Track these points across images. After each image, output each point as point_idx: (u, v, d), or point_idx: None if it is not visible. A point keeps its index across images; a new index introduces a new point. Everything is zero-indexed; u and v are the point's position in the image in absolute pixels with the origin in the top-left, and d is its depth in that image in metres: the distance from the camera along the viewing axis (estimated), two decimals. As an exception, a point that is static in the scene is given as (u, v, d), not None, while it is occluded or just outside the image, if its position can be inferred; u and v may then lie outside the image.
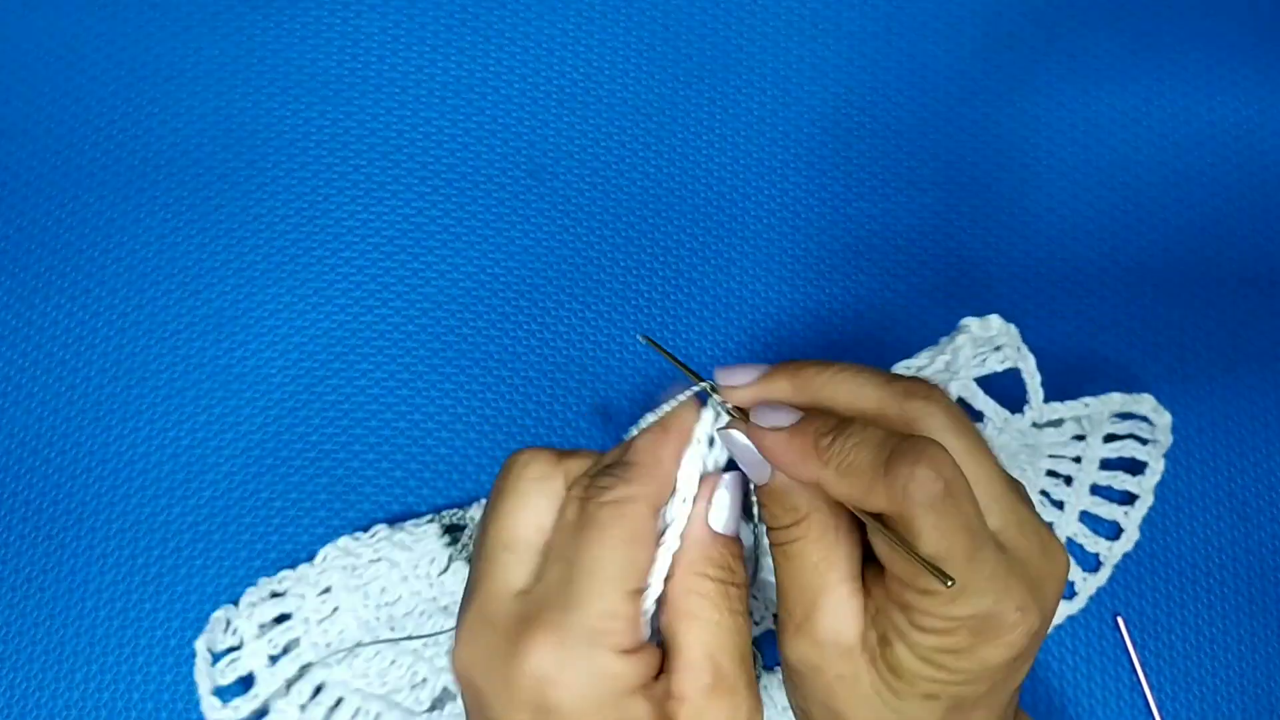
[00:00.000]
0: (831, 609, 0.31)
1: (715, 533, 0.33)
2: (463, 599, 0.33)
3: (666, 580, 0.32)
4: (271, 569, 0.45)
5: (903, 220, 0.50)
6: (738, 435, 0.32)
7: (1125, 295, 0.50)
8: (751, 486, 0.33)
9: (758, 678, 0.45)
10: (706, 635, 0.31)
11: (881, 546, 0.30)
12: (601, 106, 0.50)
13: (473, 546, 0.39)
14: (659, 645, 0.32)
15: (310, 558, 0.45)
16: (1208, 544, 0.49)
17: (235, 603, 0.44)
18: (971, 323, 0.41)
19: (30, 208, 0.48)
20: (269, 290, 0.48)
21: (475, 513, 0.45)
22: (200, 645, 0.43)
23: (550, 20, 0.51)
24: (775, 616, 0.42)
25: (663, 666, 0.32)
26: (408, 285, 0.48)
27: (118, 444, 0.46)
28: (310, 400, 0.47)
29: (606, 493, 0.31)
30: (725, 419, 0.33)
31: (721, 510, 0.33)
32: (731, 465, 0.34)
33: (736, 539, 0.33)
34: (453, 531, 0.44)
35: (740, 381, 0.33)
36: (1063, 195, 0.51)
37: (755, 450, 0.32)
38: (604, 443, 0.48)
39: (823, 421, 0.31)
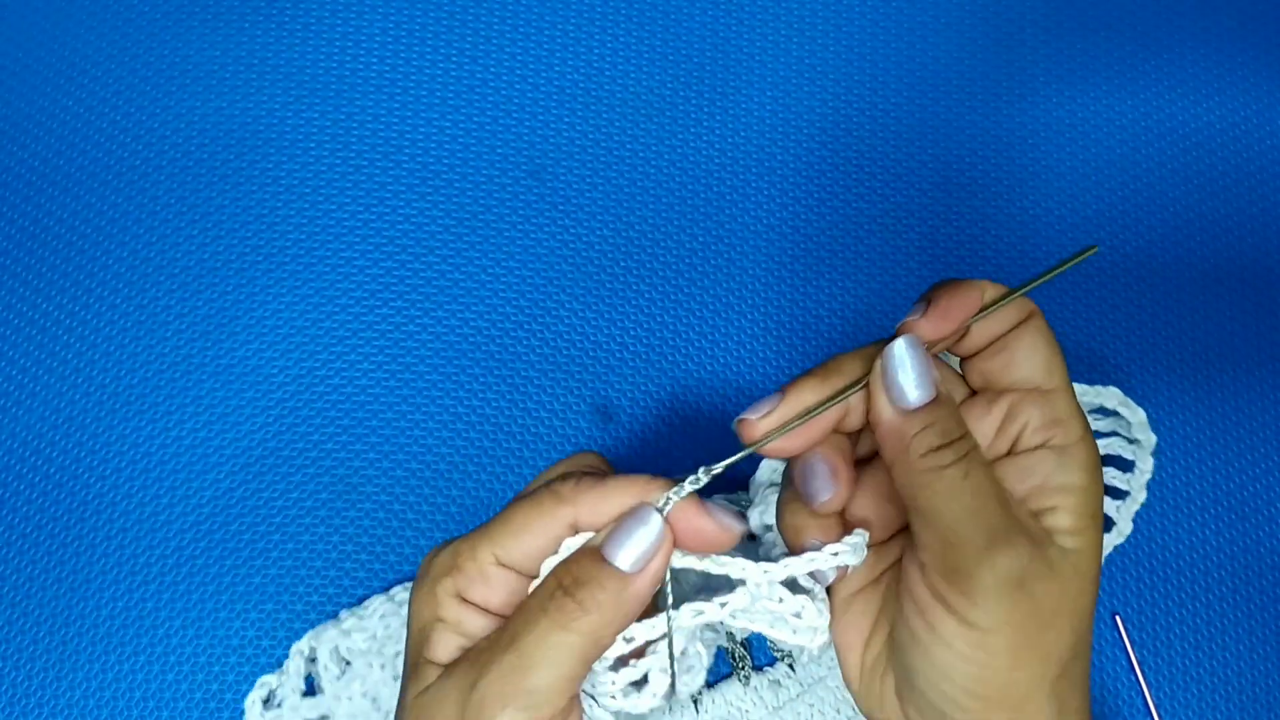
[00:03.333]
0: (1020, 507, 0.33)
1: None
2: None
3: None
4: (272, 568, 0.45)
5: (902, 220, 0.50)
6: (908, 345, 0.33)
7: (1125, 296, 0.51)
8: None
9: (748, 678, 0.45)
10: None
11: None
12: (601, 107, 0.50)
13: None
14: None
15: (309, 558, 0.46)
16: (1206, 543, 0.49)
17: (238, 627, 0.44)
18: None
19: (31, 208, 0.48)
20: (269, 290, 0.48)
21: None
22: None
23: (550, 20, 0.51)
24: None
25: None
26: (408, 285, 0.48)
27: (119, 444, 0.46)
28: (310, 400, 0.47)
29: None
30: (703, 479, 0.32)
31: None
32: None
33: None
34: None
35: (765, 410, 0.33)
36: (1061, 196, 0.51)
37: (925, 357, 0.33)
38: (604, 442, 0.48)
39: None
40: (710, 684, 0.46)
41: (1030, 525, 0.32)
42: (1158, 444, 0.47)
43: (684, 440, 0.48)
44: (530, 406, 0.48)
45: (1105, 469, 0.47)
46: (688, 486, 0.31)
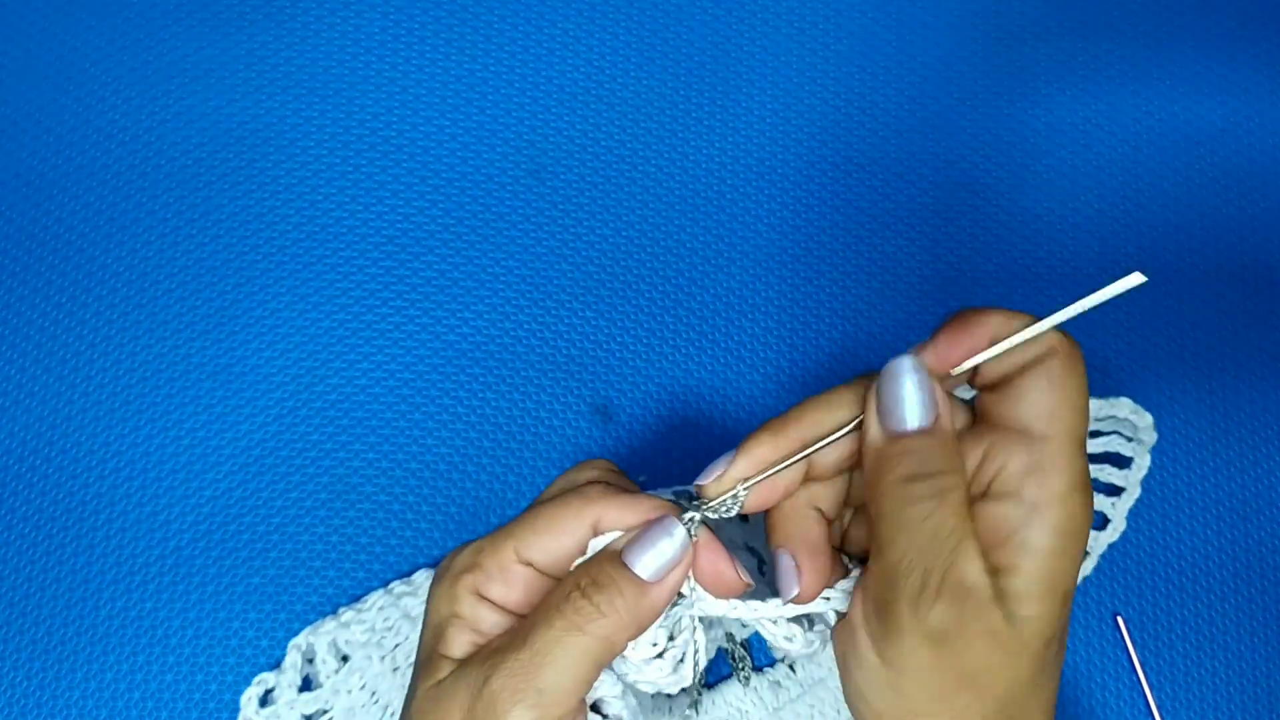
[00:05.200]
0: (975, 560, 0.30)
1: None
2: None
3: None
4: (271, 568, 0.45)
5: (901, 220, 0.50)
6: (907, 366, 0.31)
7: (1125, 296, 0.50)
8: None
9: (747, 679, 0.45)
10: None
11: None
12: (601, 106, 0.50)
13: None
14: None
15: (308, 558, 0.45)
16: (1207, 544, 0.49)
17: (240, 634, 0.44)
18: None
19: (31, 208, 0.48)
20: (269, 290, 0.48)
21: None
22: None
23: (550, 20, 0.51)
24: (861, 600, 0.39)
25: None
26: (408, 285, 0.48)
27: (118, 444, 0.46)
28: (310, 400, 0.47)
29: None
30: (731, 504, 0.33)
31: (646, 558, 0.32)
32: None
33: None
34: None
35: (719, 471, 0.33)
36: (1061, 195, 0.51)
37: (925, 382, 0.31)
38: (604, 442, 0.48)
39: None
40: (710, 685, 0.46)
41: (977, 582, 0.30)
42: (1159, 443, 0.47)
43: (684, 440, 0.48)
44: (530, 406, 0.48)
45: (1102, 465, 0.47)
46: (708, 513, 0.32)
